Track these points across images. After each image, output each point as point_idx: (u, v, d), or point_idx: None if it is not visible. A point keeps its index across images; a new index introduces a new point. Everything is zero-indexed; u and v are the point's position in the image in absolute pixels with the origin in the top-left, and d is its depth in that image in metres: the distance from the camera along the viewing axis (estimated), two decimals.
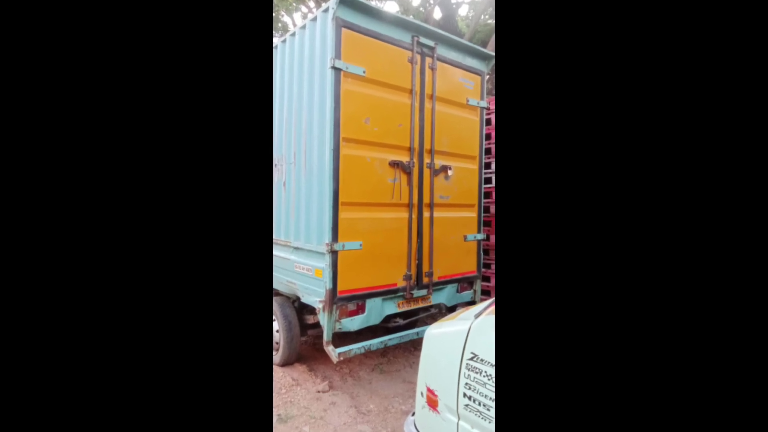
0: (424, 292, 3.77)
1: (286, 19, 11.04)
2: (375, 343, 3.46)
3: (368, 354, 4.17)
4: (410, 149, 3.59)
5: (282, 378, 3.69)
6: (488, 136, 4.86)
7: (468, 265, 4.20)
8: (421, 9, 10.06)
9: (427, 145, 3.72)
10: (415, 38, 3.56)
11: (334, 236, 3.17)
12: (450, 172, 3.90)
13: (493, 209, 4.97)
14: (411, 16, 7.98)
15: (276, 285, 3.97)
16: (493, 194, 4.93)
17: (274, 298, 3.94)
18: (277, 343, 3.88)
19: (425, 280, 3.74)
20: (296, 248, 3.67)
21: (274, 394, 3.41)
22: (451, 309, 4.14)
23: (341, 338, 4.13)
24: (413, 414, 2.07)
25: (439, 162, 3.83)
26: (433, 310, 4.10)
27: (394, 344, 3.65)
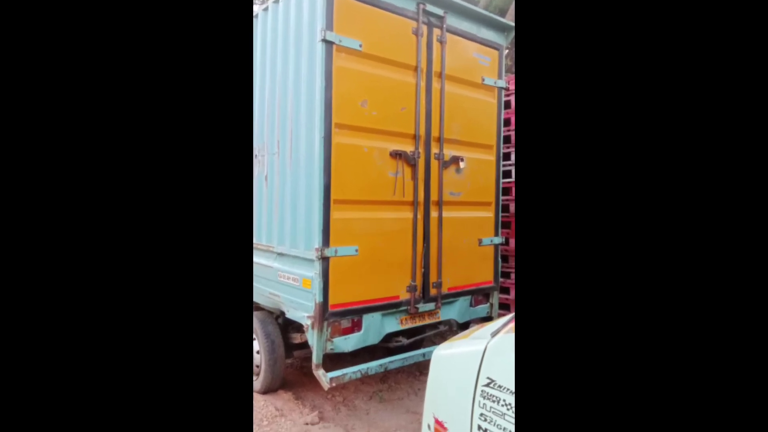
0: (431, 306, 3.77)
1: None
2: (373, 366, 3.46)
3: (365, 379, 4.17)
4: (415, 137, 3.59)
5: (264, 408, 3.69)
6: (507, 122, 4.86)
7: (483, 274, 4.20)
8: None
9: (434, 133, 3.72)
10: (421, 6, 3.56)
11: (325, 240, 3.17)
12: (462, 164, 3.90)
13: (513, 208, 4.97)
14: None
15: (256, 298, 3.97)
16: (513, 190, 4.93)
17: (254, 314, 3.94)
18: (257, 366, 3.88)
19: (433, 291, 3.74)
20: (280, 254, 3.67)
21: (254, 427, 3.41)
22: (464, 326, 4.14)
23: (334, 360, 4.13)
24: None
25: (449, 152, 3.83)
26: (442, 328, 4.09)
27: (396, 368, 3.65)
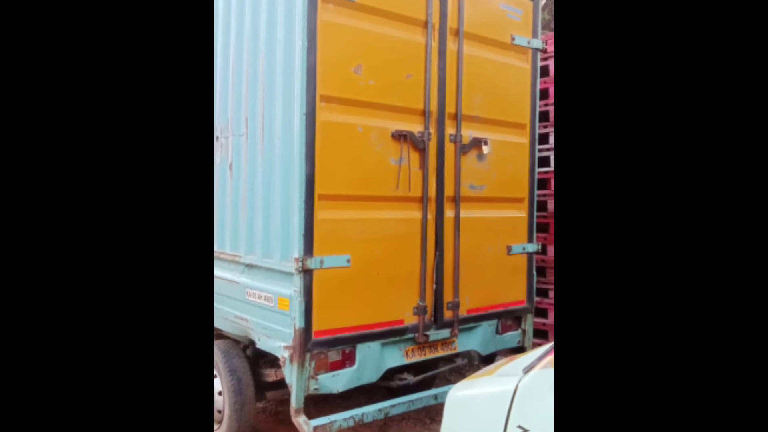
0: (445, 333, 3.76)
1: None
2: (371, 411, 3.45)
3: (360, 428, 4.16)
4: (424, 113, 3.59)
5: None
6: (544, 93, 4.86)
7: (513, 291, 4.20)
8: None
9: (450, 108, 3.72)
10: None
11: (308, 247, 3.17)
12: (486, 149, 3.90)
13: (551, 206, 4.97)
14: None
15: (218, 323, 3.97)
16: (552, 182, 4.93)
17: (216, 343, 3.94)
18: (219, 411, 3.88)
19: (447, 315, 3.74)
20: (249, 266, 3.67)
21: None
22: (488, 359, 4.14)
23: (318, 404, 4.13)
24: None
25: (468, 133, 3.83)
26: (459, 362, 4.10)
27: (399, 413, 3.64)
